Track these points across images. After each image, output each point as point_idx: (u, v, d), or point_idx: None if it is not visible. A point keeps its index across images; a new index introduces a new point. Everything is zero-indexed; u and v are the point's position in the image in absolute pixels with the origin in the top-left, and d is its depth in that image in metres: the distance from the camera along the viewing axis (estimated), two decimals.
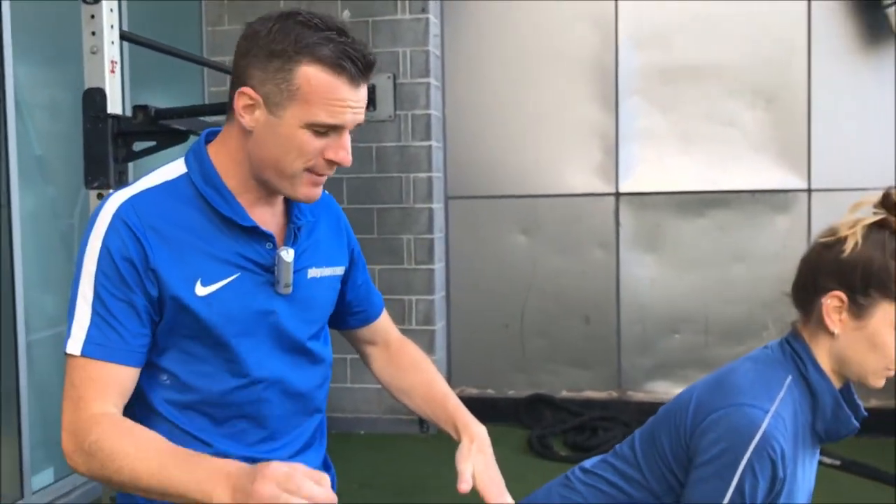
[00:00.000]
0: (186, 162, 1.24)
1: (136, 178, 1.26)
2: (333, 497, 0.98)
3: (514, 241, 4.74)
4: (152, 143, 2.59)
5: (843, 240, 1.30)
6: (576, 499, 1.45)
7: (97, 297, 1.15)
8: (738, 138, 4.49)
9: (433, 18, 4.53)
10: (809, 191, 4.42)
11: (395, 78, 4.45)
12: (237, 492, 0.98)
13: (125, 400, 1.18)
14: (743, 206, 4.49)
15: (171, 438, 1.17)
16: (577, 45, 4.62)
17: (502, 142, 4.72)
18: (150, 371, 1.22)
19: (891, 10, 4.09)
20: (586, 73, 4.62)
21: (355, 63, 1.14)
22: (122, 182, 2.43)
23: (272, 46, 1.13)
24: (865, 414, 1.40)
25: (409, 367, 1.53)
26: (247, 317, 1.22)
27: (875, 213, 1.31)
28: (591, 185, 4.65)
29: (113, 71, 2.37)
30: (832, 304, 1.31)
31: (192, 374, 1.22)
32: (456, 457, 1.34)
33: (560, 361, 4.72)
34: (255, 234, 1.23)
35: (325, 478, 0.99)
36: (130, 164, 2.58)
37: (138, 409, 1.22)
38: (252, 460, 1.22)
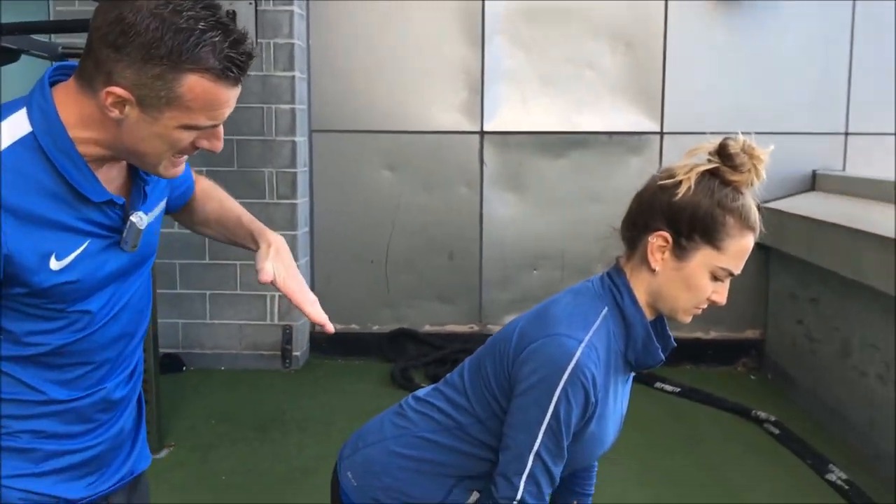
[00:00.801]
0: (30, 116, 1.11)
1: None
2: None
3: (380, 176, 4.72)
4: None
5: (678, 183, 1.35)
6: (407, 426, 1.49)
7: None
8: (598, 81, 4.62)
9: None
10: (662, 133, 4.63)
11: (256, 4, 4.27)
12: None
13: None
14: (600, 148, 4.65)
15: (2, 387, 1.16)
16: None
17: (369, 75, 4.65)
18: None
19: None
20: (454, 10, 4.59)
21: (241, 68, 1.09)
22: None
23: (151, 51, 1.03)
24: (675, 345, 1.51)
25: (201, 198, 1.50)
26: (98, 279, 1.19)
27: (709, 161, 1.36)
28: (456, 123, 4.67)
29: None
30: (657, 242, 1.37)
31: (32, 332, 1.17)
32: (255, 260, 1.35)
33: (424, 297, 4.79)
34: (108, 202, 1.18)
35: None
36: None
37: None
38: (94, 399, 1.26)
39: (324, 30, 4.61)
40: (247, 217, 1.44)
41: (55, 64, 1.18)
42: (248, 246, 1.41)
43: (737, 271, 1.37)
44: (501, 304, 4.76)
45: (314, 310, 1.37)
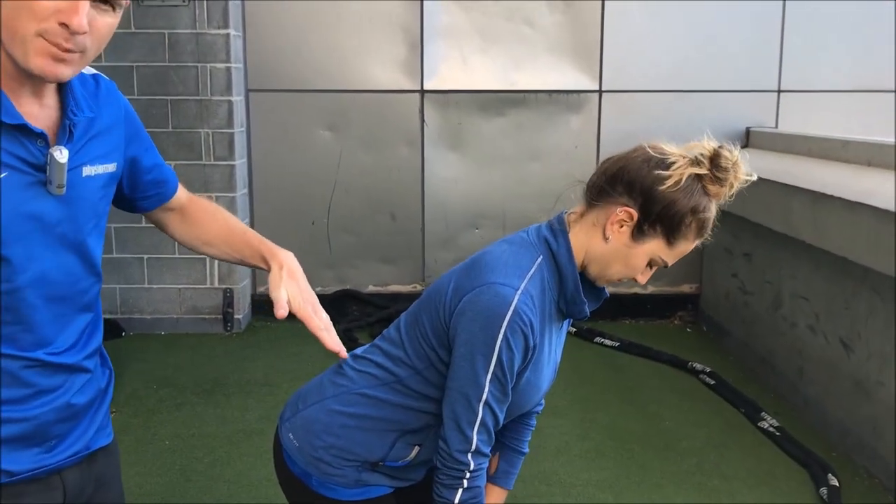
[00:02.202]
0: None
1: None
2: None
3: (320, 136, 4.66)
4: None
5: (668, 175, 1.36)
6: (346, 384, 1.50)
7: None
8: (537, 39, 4.62)
9: None
10: (600, 91, 4.67)
11: None
12: None
13: None
14: (539, 106, 4.67)
15: None
16: None
17: (306, 34, 4.56)
18: None
19: None
20: None
21: None
22: None
23: None
24: (607, 296, 1.54)
25: (205, 218, 1.50)
26: (14, 219, 1.13)
27: (700, 163, 1.37)
28: (396, 82, 4.63)
29: None
30: (622, 216, 1.40)
31: None
32: (269, 284, 1.38)
33: (367, 257, 4.78)
34: (25, 131, 1.13)
35: None
36: None
37: None
38: (28, 361, 1.20)
39: None
40: (255, 237, 1.45)
41: None
42: (259, 266, 1.43)
43: (669, 265, 1.44)
44: (444, 263, 4.78)
45: (329, 336, 1.42)
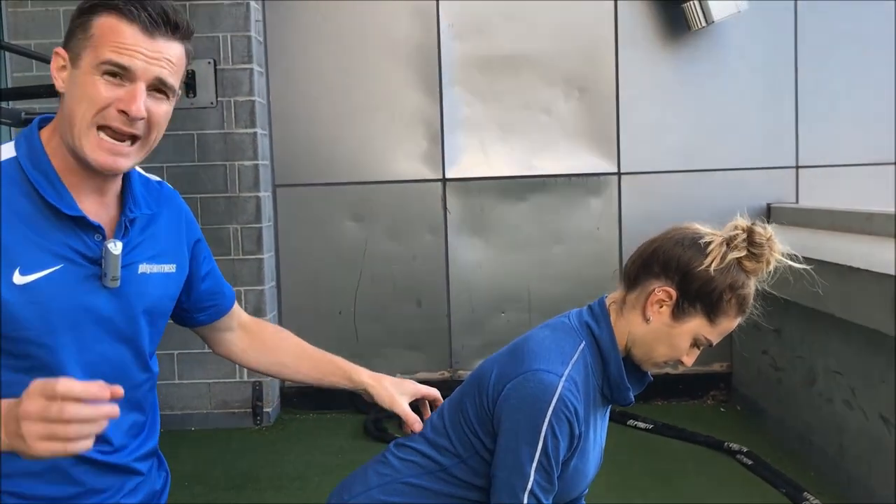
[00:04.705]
0: (16, 145, 1.19)
1: None
2: (94, 386, 0.93)
3: (345, 227, 4.75)
4: None
5: (705, 255, 1.39)
6: (391, 473, 1.50)
7: None
8: (554, 126, 4.72)
9: (254, 4, 4.43)
10: (619, 174, 4.73)
11: (215, 63, 4.32)
12: (13, 422, 0.93)
13: None
14: (560, 190, 4.74)
15: None
16: (401, 34, 4.67)
17: (330, 129, 4.70)
18: None
19: (687, 6, 4.44)
20: (411, 62, 4.69)
21: (147, 11, 1.15)
22: None
23: (80, 6, 1.18)
24: (651, 380, 1.55)
25: (276, 342, 1.56)
26: (67, 309, 1.16)
27: (735, 239, 1.39)
28: (418, 172, 4.73)
29: None
30: (661, 296, 1.41)
31: (2, 369, 1.14)
32: (384, 403, 1.48)
33: (394, 345, 4.79)
34: (83, 224, 1.17)
35: (97, 382, 0.94)
36: None
37: None
38: (79, 458, 1.18)
39: (283, 86, 4.67)
40: (337, 358, 1.55)
41: (42, 115, 1.24)
42: (341, 385, 1.52)
43: (714, 344, 1.45)
44: (471, 349, 4.77)
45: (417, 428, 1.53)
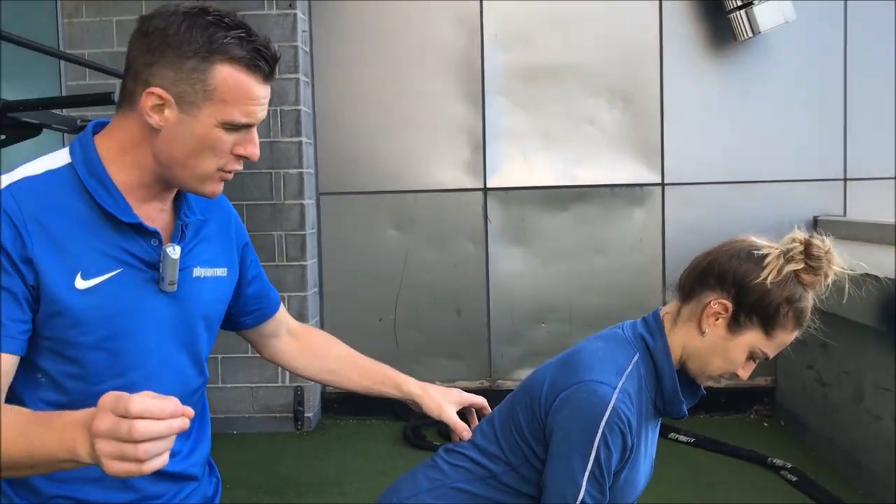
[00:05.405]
0: (71, 151, 1.19)
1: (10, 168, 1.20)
2: (169, 405, 0.91)
3: (387, 236, 4.79)
4: (1, 137, 2.47)
5: (763, 266, 1.38)
6: (440, 478, 1.50)
7: None
8: (597, 136, 4.71)
9: (301, 14, 4.50)
10: (663, 185, 4.70)
11: None
12: (89, 434, 0.92)
13: (4, 388, 1.12)
14: (602, 200, 4.72)
15: None
16: (444, 44, 4.71)
17: (373, 138, 4.75)
18: (25, 367, 1.16)
19: (734, 16, 4.40)
20: (454, 72, 4.72)
21: (268, 62, 1.16)
22: None
23: (185, 46, 1.12)
24: (704, 393, 1.54)
25: (325, 349, 1.57)
26: (127, 314, 1.18)
27: (792, 252, 1.39)
28: (460, 181, 4.75)
29: None
30: (717, 308, 1.40)
31: (65, 376, 1.17)
32: (432, 413, 1.50)
33: (433, 353, 4.80)
34: (140, 229, 1.19)
35: (169, 399, 0.93)
36: None
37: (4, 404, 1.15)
38: None
39: (328, 96, 4.73)
40: (387, 368, 1.57)
41: (95, 120, 1.25)
42: (390, 394, 1.54)
43: (770, 357, 1.44)
44: (511, 359, 4.77)
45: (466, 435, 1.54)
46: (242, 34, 1.14)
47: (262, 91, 1.17)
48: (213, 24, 1.13)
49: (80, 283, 1.14)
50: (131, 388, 1.19)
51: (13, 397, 1.16)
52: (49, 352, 1.16)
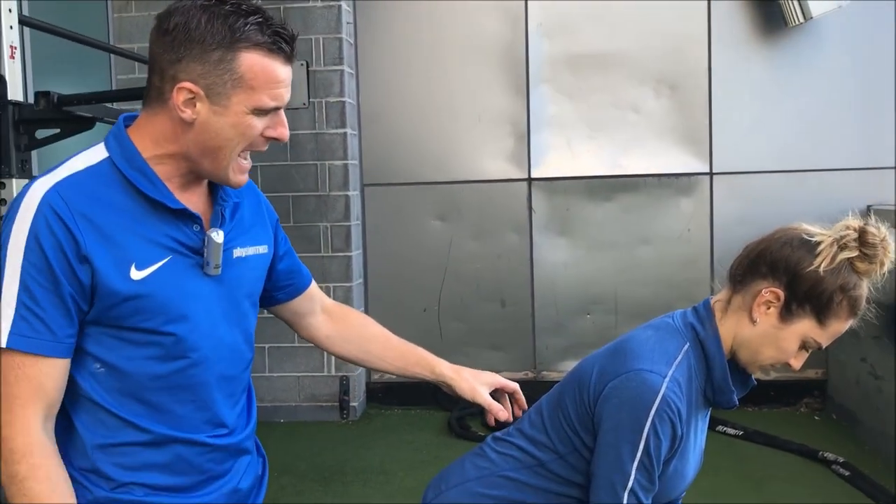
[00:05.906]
0: (107, 146, 1.22)
1: (47, 166, 1.23)
2: None
3: (431, 227, 4.79)
4: (56, 131, 2.53)
5: (816, 254, 1.36)
6: (488, 466, 1.51)
7: (25, 288, 1.12)
8: (644, 124, 4.65)
9: (345, 6, 4.52)
10: (711, 174, 4.62)
11: (308, 65, 4.43)
12: None
13: (59, 395, 1.17)
14: (649, 190, 4.66)
15: (105, 425, 1.18)
16: (489, 34, 4.69)
17: (417, 129, 4.75)
18: (80, 358, 1.19)
19: (784, 2, 4.30)
20: (498, 62, 4.69)
21: (288, 43, 1.19)
22: (24, 171, 2.37)
23: (208, 39, 1.15)
24: (755, 383, 1.51)
25: (361, 329, 1.59)
26: (180, 299, 1.21)
27: (846, 239, 1.36)
28: (504, 172, 4.74)
29: (13, 56, 2.31)
30: (769, 297, 1.38)
31: (126, 360, 1.20)
32: (465, 394, 1.50)
33: (477, 344, 4.81)
34: (184, 216, 1.22)
35: None
36: (35, 153, 2.51)
37: (69, 398, 1.20)
38: (204, 447, 1.25)
39: (373, 87, 4.75)
40: (421, 350, 1.58)
41: (125, 114, 1.28)
42: (423, 376, 1.55)
43: (824, 346, 1.41)
44: (555, 350, 4.75)
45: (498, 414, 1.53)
46: (261, 19, 1.16)
47: (286, 73, 1.20)
48: (231, 13, 1.15)
49: (136, 274, 1.17)
50: (195, 367, 1.23)
51: (71, 386, 1.19)
52: (106, 341, 1.19)
